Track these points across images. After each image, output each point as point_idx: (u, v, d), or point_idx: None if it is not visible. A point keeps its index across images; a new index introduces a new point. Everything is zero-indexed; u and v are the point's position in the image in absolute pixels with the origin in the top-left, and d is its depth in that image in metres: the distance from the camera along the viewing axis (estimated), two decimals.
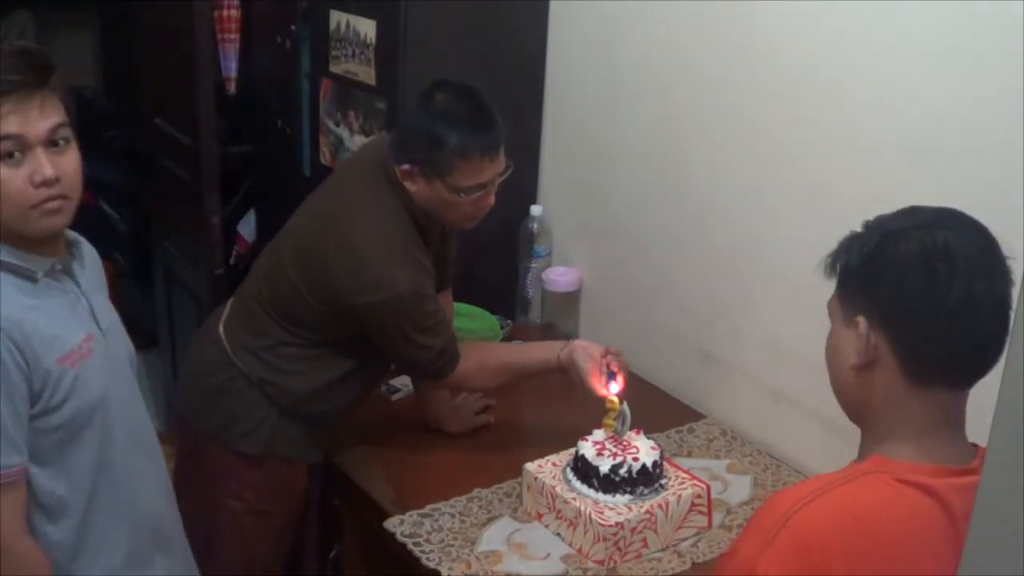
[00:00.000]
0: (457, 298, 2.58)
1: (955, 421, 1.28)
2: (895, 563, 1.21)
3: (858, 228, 1.31)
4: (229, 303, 2.25)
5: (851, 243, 1.29)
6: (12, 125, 1.54)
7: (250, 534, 2.18)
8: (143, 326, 3.72)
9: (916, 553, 1.22)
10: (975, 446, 1.29)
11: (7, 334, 1.56)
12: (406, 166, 2.02)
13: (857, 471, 1.28)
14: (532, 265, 2.84)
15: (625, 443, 2.03)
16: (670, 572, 1.93)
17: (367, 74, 2.68)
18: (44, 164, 1.57)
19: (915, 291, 1.22)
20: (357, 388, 2.21)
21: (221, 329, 2.18)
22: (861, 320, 1.26)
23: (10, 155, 1.55)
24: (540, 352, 2.22)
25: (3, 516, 1.58)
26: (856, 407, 1.32)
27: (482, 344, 2.45)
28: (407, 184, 2.03)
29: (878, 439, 1.28)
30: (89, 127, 2.20)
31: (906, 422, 1.26)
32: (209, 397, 2.17)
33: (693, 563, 1.95)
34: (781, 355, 2.30)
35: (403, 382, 2.49)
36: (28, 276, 1.63)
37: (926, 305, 1.21)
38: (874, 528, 1.21)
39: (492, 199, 2.07)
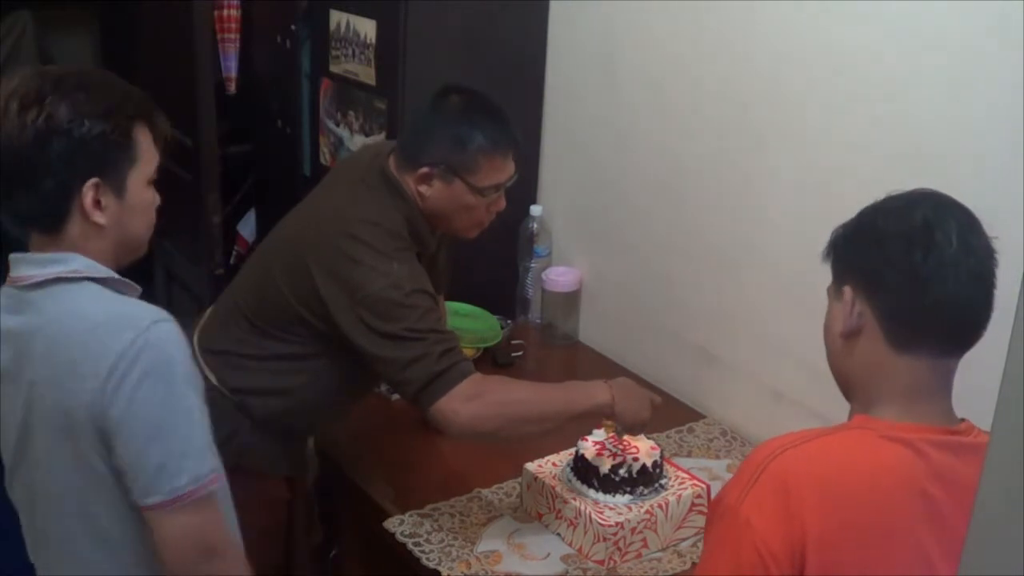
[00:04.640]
0: (457, 298, 2.58)
1: (940, 388, 1.33)
2: (868, 515, 1.26)
3: None
4: (207, 312, 2.19)
5: (844, 226, 1.38)
6: None
7: None
8: None
9: (890, 506, 1.27)
10: (963, 420, 1.34)
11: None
12: (424, 169, 1.98)
13: (840, 427, 1.35)
14: (532, 265, 2.83)
15: (625, 443, 2.04)
16: (670, 572, 1.94)
17: (367, 74, 2.69)
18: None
19: (892, 260, 1.29)
20: (340, 402, 2.16)
21: (195, 339, 2.11)
22: (847, 289, 1.33)
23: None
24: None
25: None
26: (846, 376, 1.37)
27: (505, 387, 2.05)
28: (422, 188, 1.99)
29: (865, 405, 1.34)
30: None
31: (892, 387, 1.31)
32: None
33: (693, 563, 1.95)
34: (781, 355, 2.30)
35: None
36: None
37: (902, 274, 1.28)
38: (850, 479, 1.27)
39: (504, 203, 2.07)
